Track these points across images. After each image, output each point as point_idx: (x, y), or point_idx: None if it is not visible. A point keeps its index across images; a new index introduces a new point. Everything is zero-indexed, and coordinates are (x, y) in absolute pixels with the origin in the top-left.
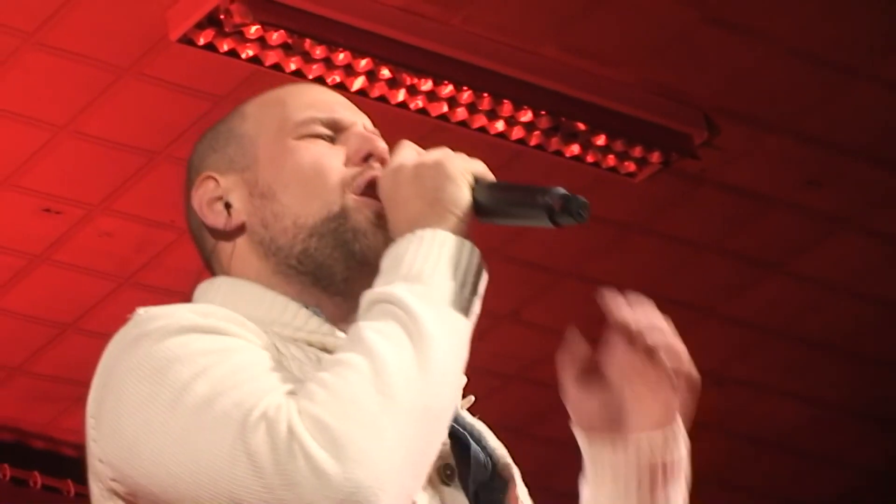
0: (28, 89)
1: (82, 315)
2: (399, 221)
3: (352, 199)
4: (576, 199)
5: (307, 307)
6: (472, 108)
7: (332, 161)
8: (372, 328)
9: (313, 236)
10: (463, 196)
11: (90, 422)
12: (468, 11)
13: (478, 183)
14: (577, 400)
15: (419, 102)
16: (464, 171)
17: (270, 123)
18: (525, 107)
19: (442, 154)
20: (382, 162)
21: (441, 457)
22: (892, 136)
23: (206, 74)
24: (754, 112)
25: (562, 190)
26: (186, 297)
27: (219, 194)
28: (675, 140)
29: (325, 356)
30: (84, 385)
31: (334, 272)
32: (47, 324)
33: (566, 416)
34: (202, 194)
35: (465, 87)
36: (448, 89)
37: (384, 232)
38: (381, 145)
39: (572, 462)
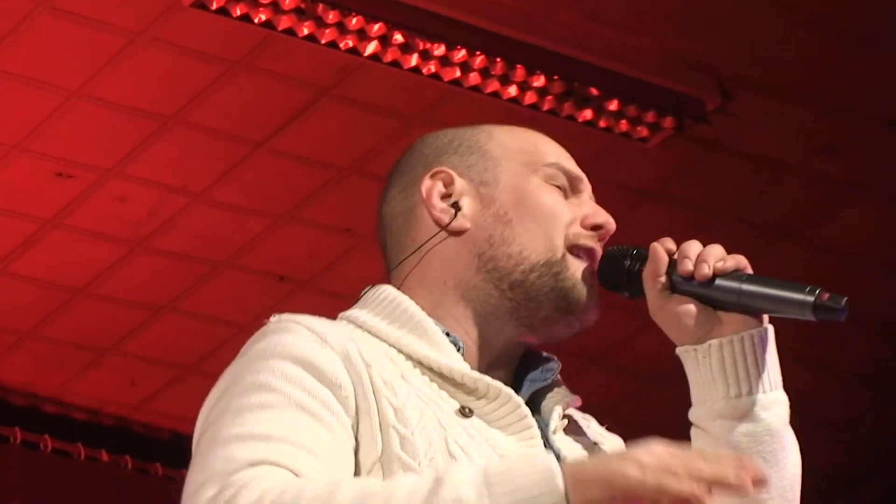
0: (40, 54)
1: (94, 280)
2: (587, 470)
3: (571, 257)
4: (838, 297)
5: (449, 334)
6: (484, 73)
7: (567, 214)
8: (376, 486)
9: (534, 272)
10: None
11: None
12: None
13: (739, 277)
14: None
15: (432, 67)
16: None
17: (517, 154)
18: (538, 72)
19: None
20: (603, 238)
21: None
22: None
23: (218, 39)
24: (770, 79)
25: (817, 289)
26: (198, 261)
27: (450, 192)
28: (688, 105)
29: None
30: (95, 350)
31: (541, 309)
32: (59, 288)
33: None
34: (435, 185)
35: (478, 52)
36: (461, 54)
37: (593, 292)
38: (612, 224)
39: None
